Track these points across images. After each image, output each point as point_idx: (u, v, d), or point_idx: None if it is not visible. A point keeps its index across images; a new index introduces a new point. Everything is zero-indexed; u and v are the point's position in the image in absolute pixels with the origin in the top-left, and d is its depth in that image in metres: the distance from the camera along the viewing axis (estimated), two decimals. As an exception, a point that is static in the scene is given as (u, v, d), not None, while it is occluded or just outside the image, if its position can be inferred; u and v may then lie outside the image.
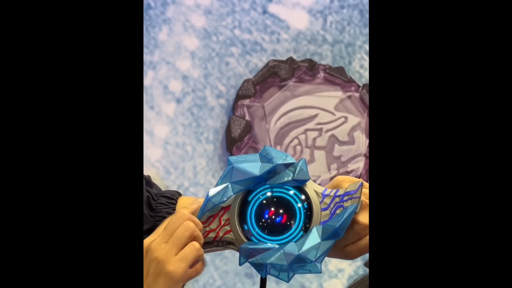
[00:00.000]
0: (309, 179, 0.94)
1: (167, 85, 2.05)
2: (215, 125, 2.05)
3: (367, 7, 2.05)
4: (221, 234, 0.93)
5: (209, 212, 0.94)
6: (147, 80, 2.03)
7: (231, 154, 1.05)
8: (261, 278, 0.94)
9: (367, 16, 2.06)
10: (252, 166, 0.93)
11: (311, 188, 0.95)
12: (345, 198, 0.93)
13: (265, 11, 2.06)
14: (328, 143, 2.02)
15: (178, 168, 2.03)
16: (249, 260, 0.91)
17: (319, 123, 2.03)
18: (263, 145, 1.98)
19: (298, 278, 1.99)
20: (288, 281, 0.92)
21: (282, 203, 0.94)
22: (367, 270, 1.99)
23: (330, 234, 0.91)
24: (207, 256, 2.00)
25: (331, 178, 1.98)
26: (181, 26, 2.06)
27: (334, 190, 0.94)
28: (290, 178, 0.93)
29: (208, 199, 0.93)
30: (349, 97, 2.04)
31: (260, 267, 0.91)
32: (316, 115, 2.03)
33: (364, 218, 0.94)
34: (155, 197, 0.99)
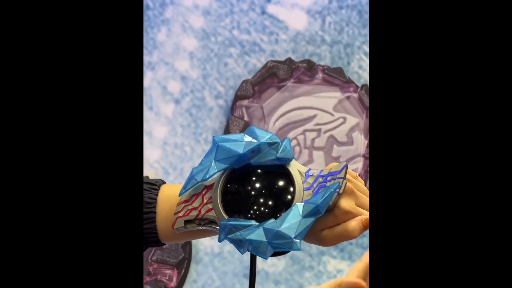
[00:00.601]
0: (292, 158, 0.94)
1: (166, 86, 2.05)
2: (213, 125, 2.05)
3: (365, 7, 2.05)
4: (203, 212, 0.92)
5: (192, 190, 0.93)
6: (146, 80, 2.03)
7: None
8: (251, 258, 0.94)
9: (366, 16, 2.06)
10: (236, 145, 0.92)
11: (294, 167, 0.94)
12: (329, 178, 0.92)
13: (263, 12, 2.06)
14: (327, 144, 2.02)
15: (176, 168, 2.03)
16: (229, 236, 0.90)
17: (317, 124, 2.03)
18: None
19: (296, 278, 1.99)
20: (266, 258, 0.90)
21: (263, 182, 0.93)
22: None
23: (311, 211, 0.90)
24: (206, 257, 2.01)
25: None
26: (179, 26, 2.06)
27: (318, 171, 0.93)
28: (273, 157, 0.93)
29: (191, 177, 0.93)
30: (348, 97, 2.04)
31: (239, 244, 0.90)
32: (314, 116, 2.03)
33: (346, 203, 0.93)
34: None
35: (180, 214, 0.93)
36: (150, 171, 2.00)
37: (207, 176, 0.92)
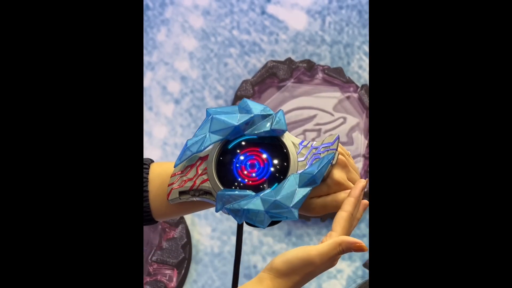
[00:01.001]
0: (286, 130, 0.95)
1: (166, 86, 2.04)
2: (213, 126, 2.04)
3: (365, 7, 2.05)
4: (198, 183, 0.93)
5: (186, 162, 0.95)
6: (146, 81, 2.03)
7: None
8: (238, 225, 0.95)
9: (366, 16, 2.06)
10: (231, 117, 0.94)
11: (288, 139, 0.95)
12: (322, 149, 0.94)
13: (263, 12, 2.06)
14: (327, 144, 2.01)
15: (176, 169, 2.02)
16: (226, 206, 0.91)
17: (317, 124, 2.03)
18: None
19: (297, 278, 1.99)
20: (264, 227, 0.92)
21: (258, 153, 0.95)
22: (367, 270, 1.99)
23: (308, 181, 0.92)
24: (206, 257, 2.01)
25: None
26: (179, 27, 2.05)
27: (311, 142, 0.95)
28: (268, 128, 0.94)
29: (186, 148, 0.94)
30: (348, 97, 2.03)
31: (237, 213, 0.91)
32: (314, 116, 2.03)
33: (338, 174, 0.95)
34: None
35: (174, 185, 0.94)
36: (150, 171, 2.00)
37: (202, 147, 0.93)
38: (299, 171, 0.93)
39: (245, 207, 0.91)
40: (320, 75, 2.03)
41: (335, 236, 0.93)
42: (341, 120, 2.03)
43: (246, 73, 2.05)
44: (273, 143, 0.95)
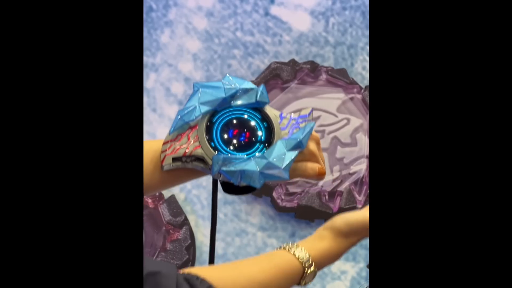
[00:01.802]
0: (269, 102, 1.05)
1: (169, 87, 2.05)
2: (217, 127, 2.05)
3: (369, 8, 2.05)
4: (190, 149, 1.01)
5: (177, 130, 1.02)
6: (149, 82, 2.04)
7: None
8: (213, 181, 1.04)
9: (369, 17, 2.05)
10: (218, 90, 1.03)
11: (270, 110, 1.05)
12: (300, 120, 1.04)
13: (267, 13, 2.06)
14: (331, 145, 2.01)
15: (180, 170, 2.03)
16: (222, 168, 0.99)
17: (321, 125, 2.03)
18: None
19: (301, 280, 1.99)
20: (259, 187, 1.00)
21: (245, 122, 1.04)
22: (370, 272, 1.99)
23: (295, 145, 1.01)
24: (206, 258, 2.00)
25: (334, 180, 1.98)
26: (183, 28, 2.06)
27: (289, 114, 1.05)
28: (253, 100, 1.04)
29: (178, 118, 1.02)
30: (352, 98, 2.03)
31: (233, 175, 0.99)
32: (318, 117, 2.03)
33: (313, 146, 1.04)
34: None
35: (168, 152, 1.01)
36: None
37: (193, 117, 1.02)
38: (283, 138, 1.02)
39: (241, 169, 0.99)
40: (323, 76, 2.03)
41: None
42: (344, 121, 2.03)
43: (250, 74, 2.05)
44: (255, 114, 1.04)
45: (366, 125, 2.02)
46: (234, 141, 1.03)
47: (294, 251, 0.97)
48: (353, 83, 2.03)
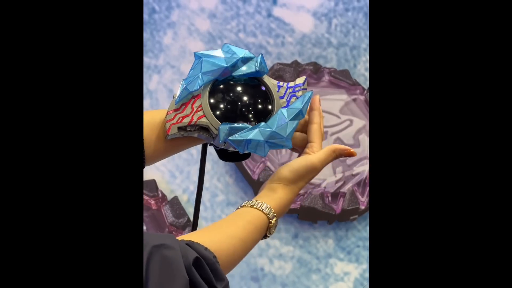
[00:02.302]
0: (267, 72, 1.08)
1: (172, 89, 2.05)
2: (220, 128, 2.05)
3: (371, 10, 2.06)
4: (195, 119, 1.03)
5: (182, 100, 1.04)
6: (152, 84, 2.04)
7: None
8: (202, 145, 1.09)
9: (372, 18, 2.06)
10: (219, 59, 1.05)
11: (268, 79, 1.08)
12: (296, 89, 1.08)
13: (269, 15, 2.06)
14: (334, 146, 2.01)
15: (183, 172, 2.03)
16: (229, 138, 1.02)
17: (324, 126, 2.02)
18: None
19: (304, 281, 1.99)
20: (264, 155, 1.04)
21: (246, 91, 1.07)
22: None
23: (295, 114, 1.04)
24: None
25: (336, 181, 1.98)
26: (185, 30, 2.06)
27: (285, 83, 1.08)
28: (253, 69, 1.06)
29: (184, 88, 1.04)
30: (354, 100, 2.03)
31: (239, 144, 1.02)
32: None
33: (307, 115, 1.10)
34: None
35: (173, 121, 1.03)
36: (156, 174, 2.01)
37: (196, 86, 1.04)
38: (283, 107, 1.05)
39: (247, 138, 1.02)
40: (326, 77, 2.03)
41: (316, 146, 1.07)
42: (347, 122, 2.03)
43: (253, 75, 2.05)
44: (255, 83, 1.07)
45: (368, 126, 2.02)
46: (238, 109, 1.05)
47: (258, 206, 1.04)
48: (355, 84, 2.03)
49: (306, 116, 1.09)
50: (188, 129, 1.03)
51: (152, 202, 1.96)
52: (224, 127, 1.02)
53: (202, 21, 2.06)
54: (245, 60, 1.06)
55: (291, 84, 1.08)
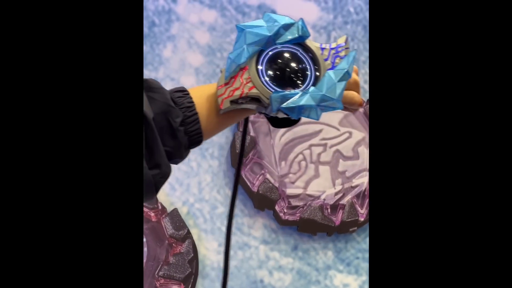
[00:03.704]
0: (309, 36, 1.07)
1: (172, 102, 2.05)
2: (220, 141, 2.05)
3: (370, 22, 2.06)
4: (246, 90, 1.03)
5: (230, 74, 1.04)
6: (152, 96, 2.04)
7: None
8: (245, 121, 1.12)
9: (371, 31, 2.06)
10: (262, 28, 1.05)
11: (311, 43, 1.07)
12: (339, 49, 1.07)
13: (269, 28, 2.06)
14: (333, 158, 2.02)
15: (183, 184, 2.03)
16: (282, 105, 1.02)
17: (323, 139, 2.03)
18: (268, 161, 1.99)
19: (303, 293, 1.99)
20: (318, 119, 1.03)
21: (293, 58, 1.06)
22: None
23: (343, 75, 1.03)
24: (212, 272, 2.00)
25: (336, 193, 1.98)
26: (185, 43, 2.07)
27: (328, 44, 1.08)
28: (296, 35, 1.05)
29: (231, 61, 1.04)
30: (353, 112, 2.04)
31: (292, 110, 1.02)
32: (320, 131, 2.03)
33: (355, 76, 1.10)
34: (170, 95, 1.06)
35: (224, 96, 1.04)
36: (156, 187, 2.01)
37: (244, 59, 1.04)
38: (329, 69, 1.05)
39: (299, 104, 1.02)
40: (325, 90, 2.04)
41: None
42: (346, 134, 2.03)
43: (252, 88, 2.05)
44: (300, 48, 1.06)
45: (368, 139, 2.02)
46: (287, 76, 1.05)
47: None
48: (355, 96, 2.03)
49: (353, 74, 1.10)
50: (240, 101, 1.04)
51: (152, 214, 1.96)
52: (276, 96, 1.02)
53: (202, 34, 2.07)
54: (287, 27, 1.05)
55: (334, 45, 1.08)
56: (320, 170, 2.00)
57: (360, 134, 2.03)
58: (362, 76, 2.07)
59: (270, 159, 2.00)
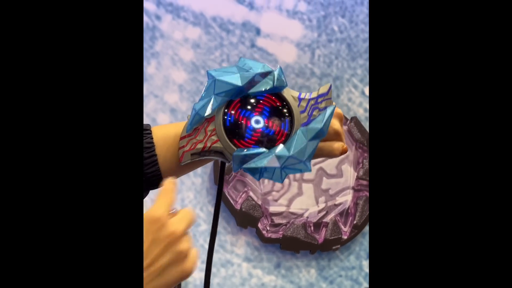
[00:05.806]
0: (286, 86, 0.99)
1: (155, 118, 2.05)
2: (203, 158, 2.05)
3: (354, 41, 2.07)
4: (209, 144, 0.98)
5: (194, 125, 0.98)
6: (136, 113, 2.04)
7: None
8: (221, 164, 1.02)
9: (355, 49, 2.07)
10: (233, 77, 0.97)
11: (288, 93, 0.99)
12: (319, 100, 0.99)
13: (253, 45, 2.07)
14: (316, 176, 2.02)
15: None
16: (243, 166, 0.96)
17: (307, 156, 2.03)
18: (251, 178, 1.98)
19: (286, 311, 1.98)
20: (281, 182, 0.97)
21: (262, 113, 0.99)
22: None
23: (316, 134, 0.97)
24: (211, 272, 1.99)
25: (319, 211, 1.98)
26: (169, 60, 2.06)
27: (308, 94, 1.00)
28: (269, 86, 0.98)
29: (195, 113, 0.98)
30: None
31: (254, 171, 0.97)
32: (304, 148, 2.03)
33: (337, 125, 1.02)
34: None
35: (186, 148, 0.98)
36: (148, 203, 2.00)
37: (210, 111, 0.97)
38: (304, 123, 0.98)
39: (262, 165, 0.96)
40: (309, 107, 2.04)
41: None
42: (330, 152, 2.03)
43: (236, 105, 2.05)
44: (273, 100, 0.99)
45: (351, 156, 2.02)
46: (253, 131, 0.98)
47: None
48: (338, 114, 2.04)
49: (337, 123, 1.02)
50: (202, 154, 0.99)
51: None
52: (238, 155, 0.97)
53: (186, 51, 2.06)
54: (262, 76, 0.98)
55: (314, 94, 1.00)
56: (304, 188, 2.00)
57: (343, 152, 2.03)
58: (346, 94, 2.07)
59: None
